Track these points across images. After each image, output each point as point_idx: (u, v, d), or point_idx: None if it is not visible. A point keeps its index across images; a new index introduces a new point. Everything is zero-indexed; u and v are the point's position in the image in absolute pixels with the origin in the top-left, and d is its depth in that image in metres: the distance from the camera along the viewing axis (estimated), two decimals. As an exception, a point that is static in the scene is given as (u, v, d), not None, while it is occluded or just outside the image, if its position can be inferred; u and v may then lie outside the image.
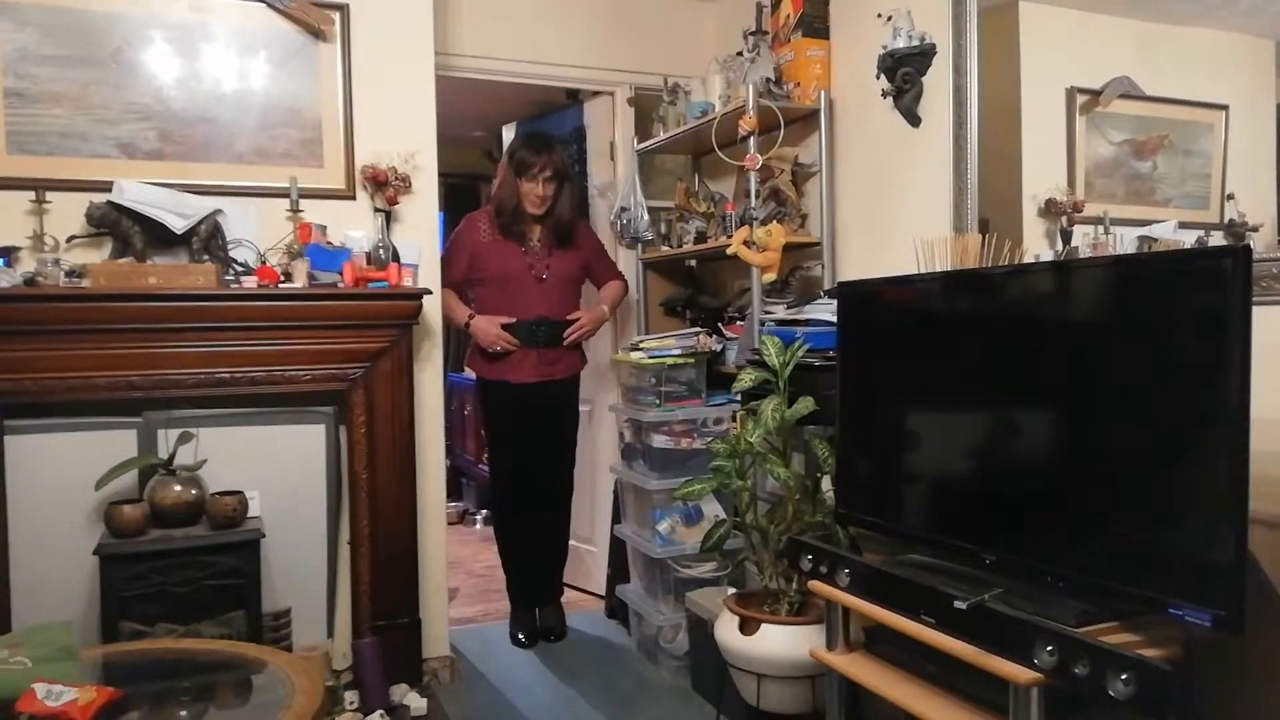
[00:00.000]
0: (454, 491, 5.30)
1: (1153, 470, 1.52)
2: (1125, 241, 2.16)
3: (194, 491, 2.54)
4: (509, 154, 3.32)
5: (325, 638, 2.84)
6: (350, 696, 2.63)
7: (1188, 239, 2.07)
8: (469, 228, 3.32)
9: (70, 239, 2.59)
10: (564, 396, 3.41)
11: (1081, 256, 2.17)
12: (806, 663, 2.21)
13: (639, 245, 3.69)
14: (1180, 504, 1.48)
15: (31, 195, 2.54)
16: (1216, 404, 1.42)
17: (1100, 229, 2.21)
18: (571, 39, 3.70)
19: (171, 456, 2.56)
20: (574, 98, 4.17)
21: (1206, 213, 2.08)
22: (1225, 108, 2.04)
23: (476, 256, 3.27)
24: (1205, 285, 1.46)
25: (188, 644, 2.26)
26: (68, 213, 2.58)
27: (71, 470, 2.53)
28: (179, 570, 2.46)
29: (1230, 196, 2.03)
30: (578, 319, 3.34)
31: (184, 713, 1.91)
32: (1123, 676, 1.36)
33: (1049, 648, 1.48)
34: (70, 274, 2.50)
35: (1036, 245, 2.27)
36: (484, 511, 5.48)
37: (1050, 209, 2.27)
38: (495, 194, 3.36)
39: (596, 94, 3.97)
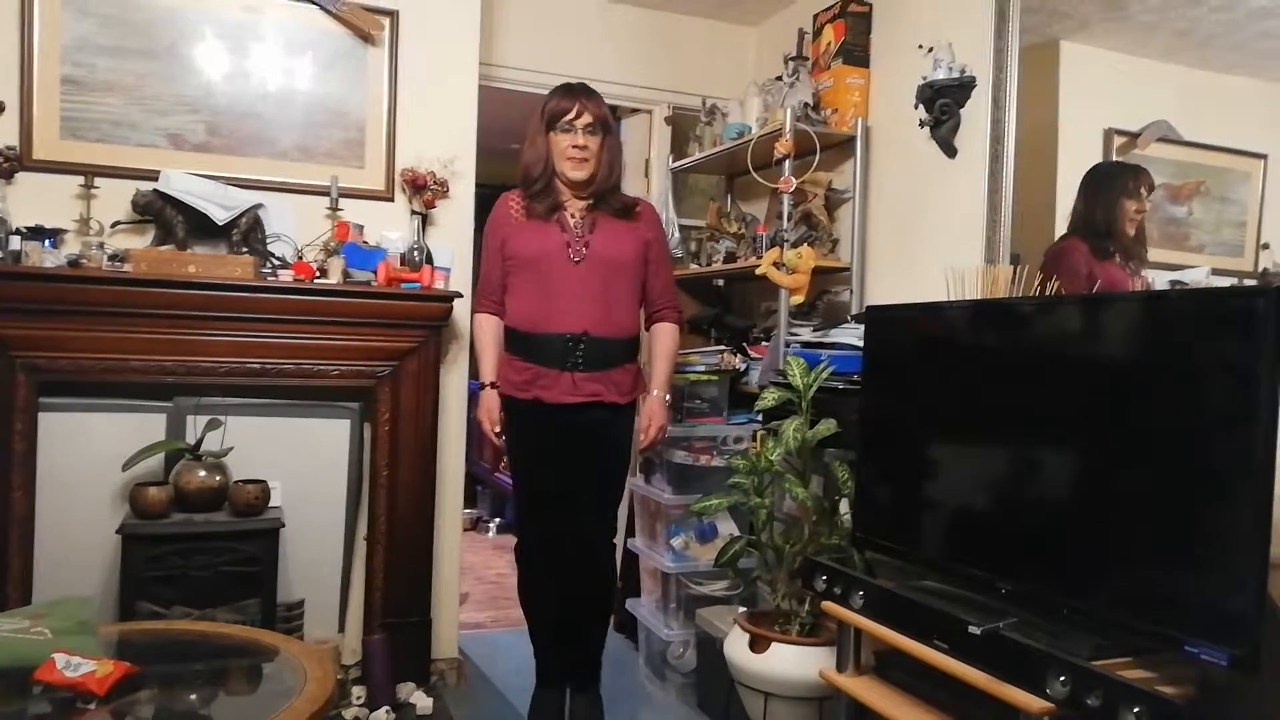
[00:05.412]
0: (468, 499, 5.31)
1: (1174, 509, 1.52)
2: (1157, 285, 2.16)
3: (218, 478, 2.58)
4: (540, 109, 2.62)
5: (336, 632, 2.86)
6: (358, 692, 2.65)
7: (1220, 286, 2.07)
8: (500, 209, 2.66)
9: (115, 224, 2.66)
10: (610, 427, 2.59)
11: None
12: (815, 684, 2.20)
13: (668, 263, 3.71)
14: (1201, 545, 1.47)
15: (81, 180, 2.61)
16: (1243, 445, 1.41)
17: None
18: (613, 57, 3.75)
19: (199, 442, 2.60)
20: (611, 114, 4.21)
21: (1240, 260, 2.08)
22: (1264, 157, 2.04)
23: (508, 240, 2.60)
24: (1236, 325, 1.46)
25: (204, 626, 2.28)
26: (114, 199, 2.65)
27: (100, 450, 2.59)
28: (199, 555, 2.50)
29: (1265, 246, 2.02)
30: (646, 425, 2.64)
31: (199, 693, 1.93)
32: (1135, 710, 1.36)
33: (1062, 678, 1.48)
34: (113, 258, 2.56)
35: (1067, 283, 2.27)
36: (497, 519, 5.51)
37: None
38: (522, 160, 2.65)
39: (634, 111, 4.01)
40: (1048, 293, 2.06)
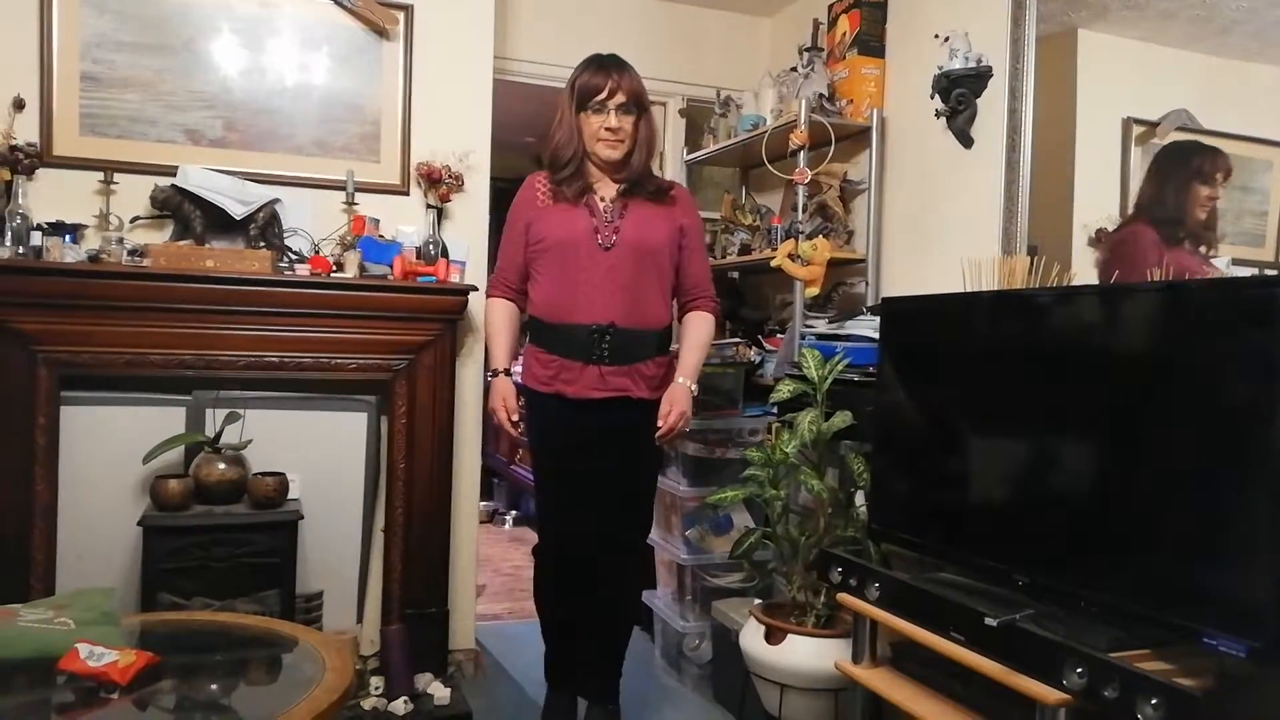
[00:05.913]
0: (485, 491, 5.33)
1: (1193, 501, 1.51)
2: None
3: (237, 470, 2.60)
4: (569, 85, 2.45)
5: (355, 623, 2.89)
6: (376, 682, 2.67)
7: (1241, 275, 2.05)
8: (526, 190, 2.51)
9: (134, 220, 2.68)
10: (639, 425, 2.41)
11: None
12: (831, 675, 2.21)
13: (683, 255, 3.70)
14: (1219, 536, 1.46)
15: (100, 176, 2.63)
16: (1262, 436, 1.40)
17: (1150, 261, 2.19)
18: (627, 49, 3.66)
19: (218, 435, 2.62)
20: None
21: (1261, 250, 2.06)
22: (1286, 146, 2.01)
23: (533, 224, 2.45)
24: (1254, 315, 1.45)
25: (224, 617, 2.30)
26: (133, 194, 2.67)
27: (121, 442, 2.61)
28: (218, 546, 2.52)
29: (1288, 235, 2.00)
30: (666, 412, 2.40)
31: (220, 682, 1.95)
32: (1152, 701, 1.36)
33: (1078, 669, 1.48)
34: (132, 253, 2.58)
35: (1086, 274, 2.25)
36: (514, 512, 5.53)
37: (1101, 239, 2.26)
38: (550, 140, 2.47)
39: (649, 103, 4.01)
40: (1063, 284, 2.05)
